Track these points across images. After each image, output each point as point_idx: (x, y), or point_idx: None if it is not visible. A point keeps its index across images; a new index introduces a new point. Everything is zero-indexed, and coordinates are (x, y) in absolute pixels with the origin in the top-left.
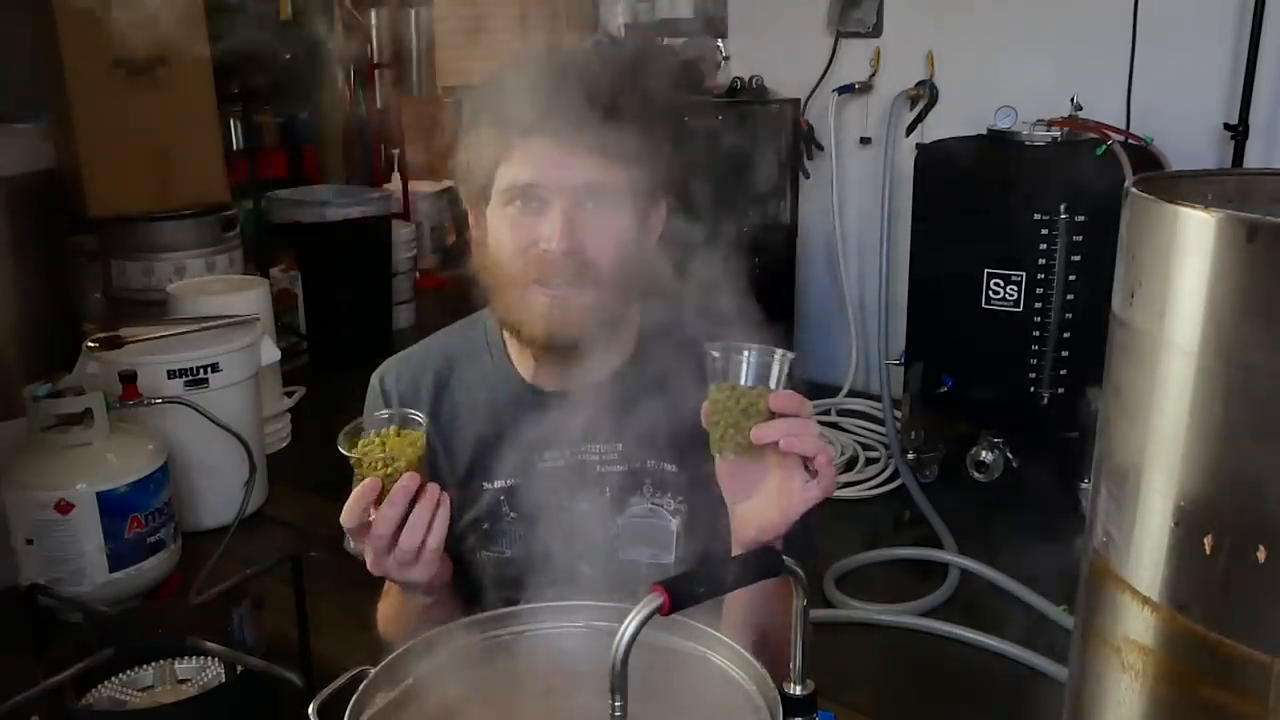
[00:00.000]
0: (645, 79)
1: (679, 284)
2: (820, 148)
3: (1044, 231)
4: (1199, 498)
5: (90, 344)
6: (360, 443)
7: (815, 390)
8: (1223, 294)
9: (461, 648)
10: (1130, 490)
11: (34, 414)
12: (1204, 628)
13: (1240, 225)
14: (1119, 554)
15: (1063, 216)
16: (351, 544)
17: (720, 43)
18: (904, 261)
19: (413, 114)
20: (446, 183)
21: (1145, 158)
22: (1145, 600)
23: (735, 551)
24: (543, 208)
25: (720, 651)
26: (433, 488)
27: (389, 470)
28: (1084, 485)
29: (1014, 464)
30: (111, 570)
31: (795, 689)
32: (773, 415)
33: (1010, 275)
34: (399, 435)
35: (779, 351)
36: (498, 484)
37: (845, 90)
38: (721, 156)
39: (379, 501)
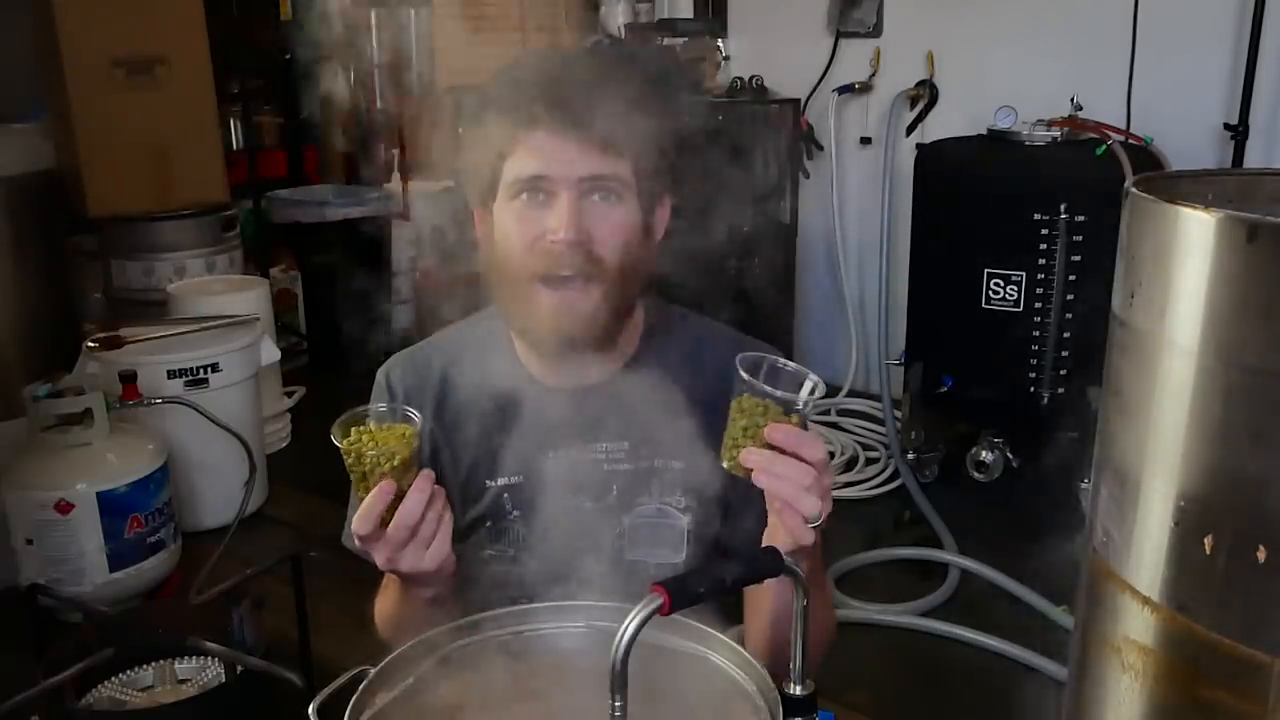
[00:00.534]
0: (648, 74)
1: (682, 282)
2: (820, 148)
3: (1044, 231)
4: (1199, 498)
5: (90, 344)
6: (352, 433)
7: None
8: (1223, 294)
9: (461, 648)
10: (1130, 490)
11: (34, 414)
12: (1204, 628)
13: (1240, 225)
14: (1119, 554)
15: (1063, 216)
16: (356, 540)
17: (720, 43)
18: (904, 261)
19: (413, 114)
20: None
21: (1145, 158)
22: (1145, 600)
23: None
24: (549, 199)
25: (720, 651)
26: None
27: (391, 465)
28: (1084, 485)
29: (1014, 464)
30: (111, 570)
31: (795, 689)
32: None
33: (1010, 275)
34: (389, 429)
35: (811, 377)
36: (501, 482)
37: (845, 90)
38: (721, 156)
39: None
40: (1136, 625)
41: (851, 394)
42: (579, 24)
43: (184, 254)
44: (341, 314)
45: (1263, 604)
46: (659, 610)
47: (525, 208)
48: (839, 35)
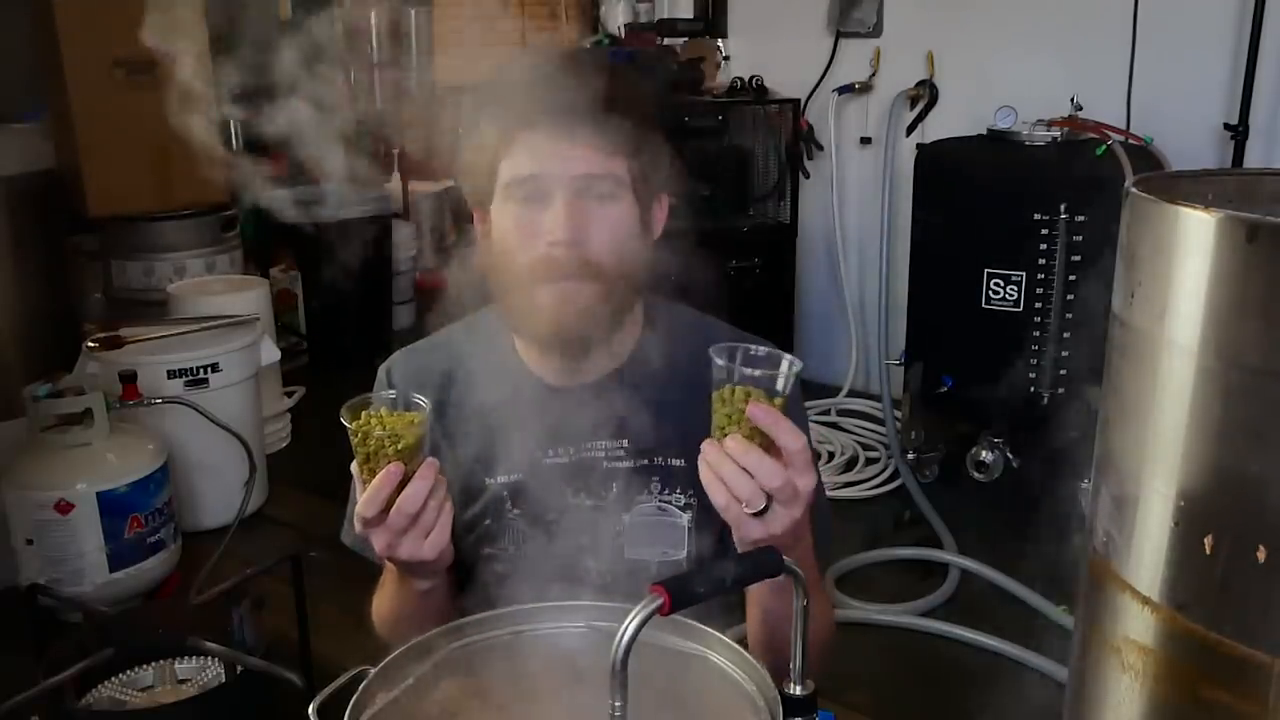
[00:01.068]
0: (646, 74)
1: (681, 281)
2: (820, 148)
3: (1044, 231)
4: (1199, 498)
5: (90, 344)
6: (362, 415)
7: (815, 390)
8: (1223, 294)
9: (461, 647)
10: (1130, 490)
11: (34, 414)
12: (1204, 628)
13: (1240, 225)
14: (1119, 554)
15: (1063, 216)
16: (358, 525)
17: (720, 43)
18: (904, 261)
19: (413, 114)
20: (447, 182)
21: (1145, 158)
22: (1145, 600)
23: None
24: (545, 200)
25: (720, 651)
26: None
27: (396, 448)
28: (1084, 485)
29: (1014, 464)
30: (111, 570)
31: (795, 689)
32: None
33: (1010, 275)
34: (399, 414)
35: (787, 357)
36: (501, 480)
37: (845, 90)
38: (721, 156)
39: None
40: (1136, 625)
41: (851, 394)
42: (579, 24)
43: (184, 254)
44: (341, 314)
45: (1263, 604)
46: (659, 610)
47: (522, 208)
48: (839, 35)
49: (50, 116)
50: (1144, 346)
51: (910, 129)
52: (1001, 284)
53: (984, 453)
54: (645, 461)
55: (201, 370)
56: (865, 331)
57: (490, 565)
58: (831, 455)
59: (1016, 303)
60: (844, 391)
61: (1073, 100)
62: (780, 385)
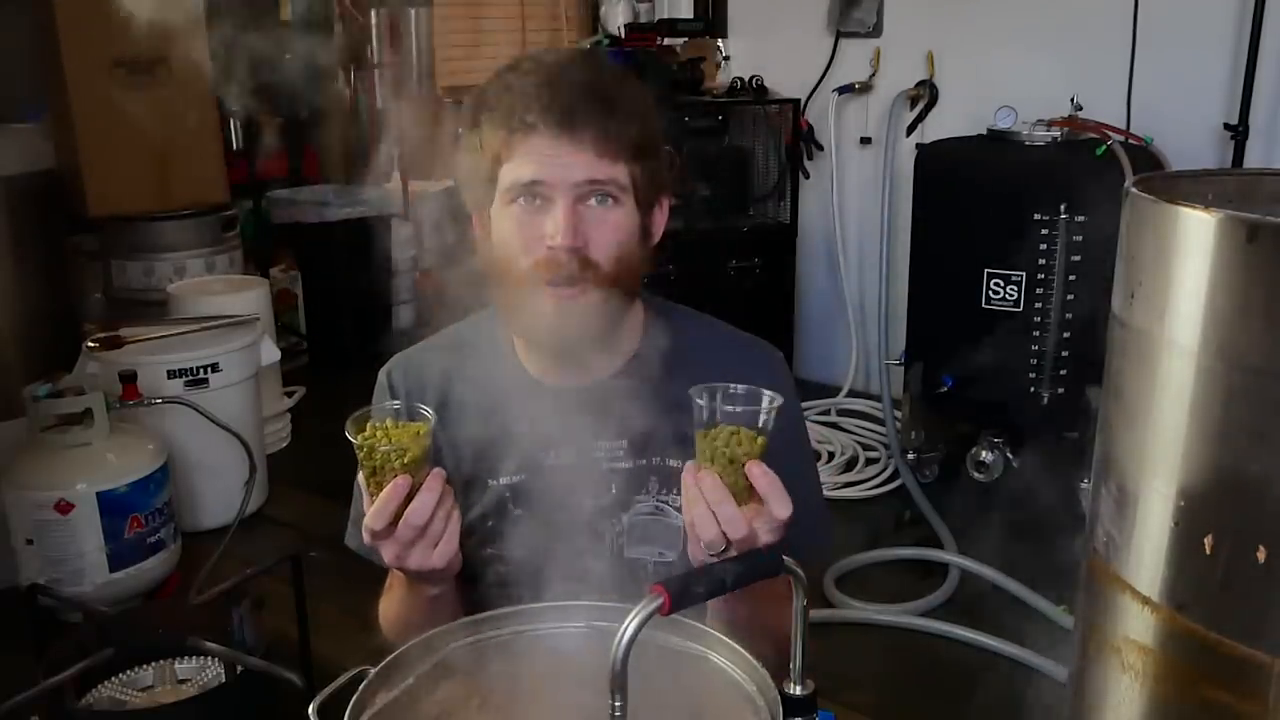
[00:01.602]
0: (646, 77)
1: (682, 281)
2: (820, 148)
3: (1044, 231)
4: (1199, 498)
5: (90, 344)
6: (367, 428)
7: (815, 390)
8: (1223, 294)
9: (461, 648)
10: (1130, 490)
11: (34, 414)
12: (1204, 628)
13: (1240, 225)
14: (1119, 554)
15: (1063, 216)
16: (366, 537)
17: (720, 43)
18: (904, 261)
19: (413, 114)
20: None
21: (1145, 158)
22: (1145, 600)
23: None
24: (546, 204)
25: (720, 651)
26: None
27: (402, 461)
28: (1084, 485)
29: (1014, 464)
30: (111, 570)
31: (795, 689)
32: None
33: (1010, 275)
34: (403, 426)
35: (766, 393)
36: (503, 481)
37: (845, 90)
38: (721, 156)
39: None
40: (1136, 625)
41: (851, 394)
42: (579, 24)
43: (184, 254)
44: (341, 314)
45: (1263, 604)
46: (659, 610)
47: (522, 212)
48: (839, 35)
49: (50, 116)
50: (1144, 346)
51: (910, 129)
52: (1001, 284)
53: (984, 453)
54: (644, 462)
55: (201, 370)
56: (865, 331)
57: (492, 566)
58: (831, 455)
59: (1016, 303)
60: (844, 391)
61: (1073, 100)
62: (760, 421)
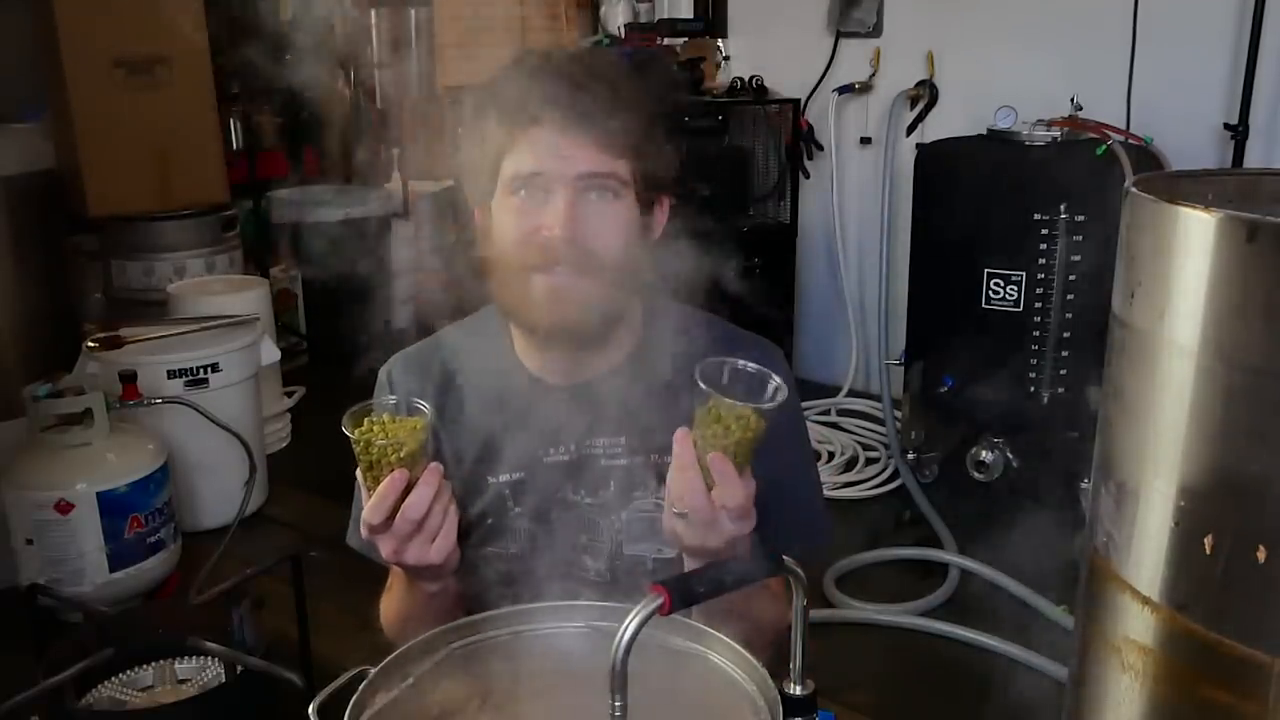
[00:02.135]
0: (650, 75)
1: (681, 283)
2: (820, 148)
3: (1044, 231)
4: (1199, 498)
5: (90, 344)
6: (364, 423)
7: (815, 390)
8: (1223, 294)
9: (461, 648)
10: (1130, 490)
11: (34, 414)
12: (1204, 628)
13: (1240, 225)
14: (1119, 554)
15: (1063, 216)
16: (364, 531)
17: (720, 43)
18: (904, 261)
19: (413, 114)
20: (447, 182)
21: (1145, 158)
22: (1145, 600)
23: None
24: (546, 197)
25: (720, 651)
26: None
27: (399, 456)
28: (1084, 485)
29: (1014, 464)
30: (111, 570)
31: (795, 689)
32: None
33: (1010, 275)
34: (400, 421)
35: (773, 378)
36: (503, 478)
37: (845, 90)
38: (721, 156)
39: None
40: (1136, 625)
41: (851, 394)
42: (578, 24)
43: (184, 254)
44: (341, 314)
45: (1263, 604)
46: (659, 610)
47: (523, 203)
48: (839, 35)
49: (50, 116)
50: (1144, 346)
51: (910, 129)
52: (1001, 284)
53: (984, 453)
54: (642, 458)
55: (201, 370)
56: (865, 331)
57: (492, 563)
58: (831, 455)
59: (1016, 303)
60: (844, 391)
61: (1073, 100)
62: (765, 403)
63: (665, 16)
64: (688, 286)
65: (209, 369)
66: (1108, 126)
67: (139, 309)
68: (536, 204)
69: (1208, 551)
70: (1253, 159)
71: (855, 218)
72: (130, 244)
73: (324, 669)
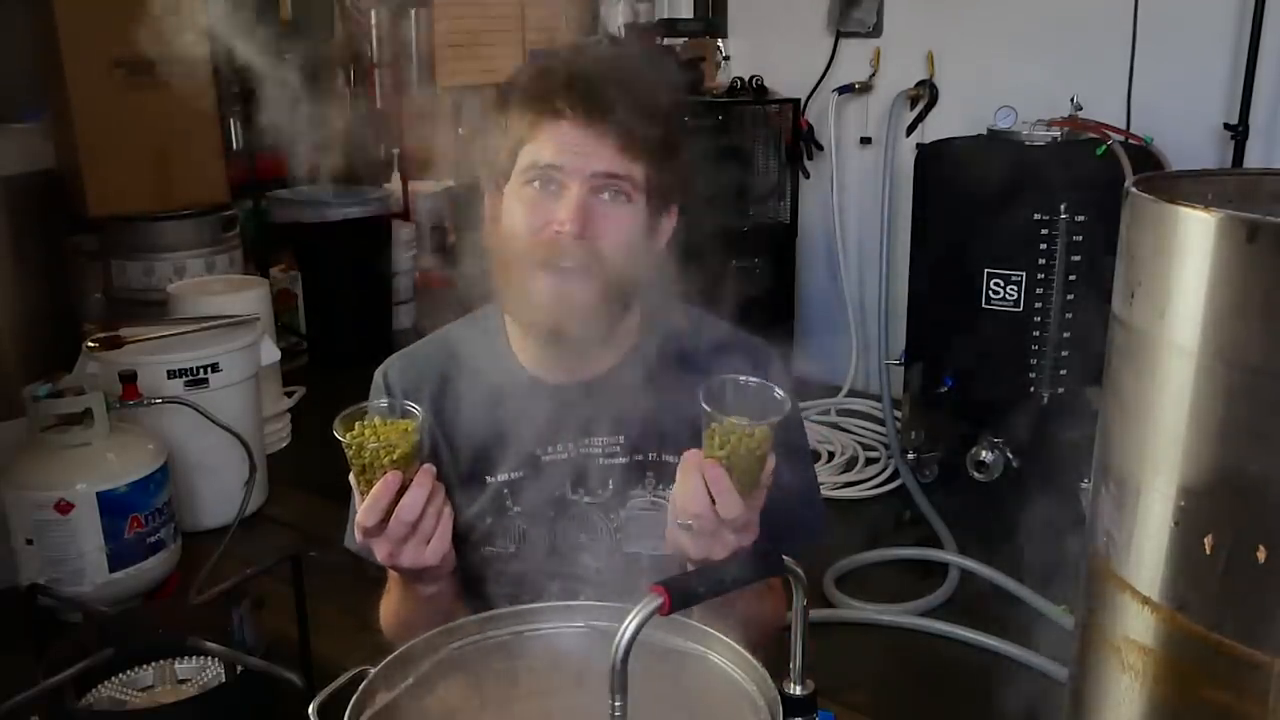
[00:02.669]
0: (672, 83)
1: (681, 283)
2: (820, 148)
3: (1044, 231)
4: (1199, 498)
5: (90, 344)
6: (355, 427)
7: (815, 390)
8: (1223, 294)
9: (461, 648)
10: (1130, 490)
11: (34, 414)
12: (1204, 628)
13: (1240, 225)
14: (1119, 554)
15: (1063, 216)
16: (358, 534)
17: (720, 43)
18: (904, 261)
19: (413, 114)
20: (447, 182)
21: (1145, 158)
22: (1145, 600)
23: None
24: (560, 190)
25: (720, 651)
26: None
27: (391, 458)
28: (1084, 485)
29: (1014, 464)
30: (111, 570)
31: (795, 689)
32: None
33: (1010, 275)
34: (392, 424)
35: (777, 391)
36: (501, 478)
37: (845, 90)
38: (722, 156)
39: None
40: (1136, 625)
41: (851, 394)
42: (578, 24)
43: (184, 254)
44: (341, 314)
45: (1263, 604)
46: (659, 610)
47: (536, 195)
48: (839, 35)
49: (50, 116)
50: (1144, 346)
51: (910, 129)
52: (1001, 284)
53: (984, 453)
54: (640, 457)
55: (201, 370)
56: (865, 331)
57: (491, 563)
58: (831, 455)
59: (1016, 303)
60: (844, 391)
61: (1073, 100)
62: (770, 417)
63: (665, 16)
64: (687, 286)
65: (209, 369)
66: (1108, 126)
67: (139, 309)
68: (548, 197)
69: (1208, 551)
70: (1253, 159)
71: (855, 218)
72: (130, 244)
73: (324, 669)
